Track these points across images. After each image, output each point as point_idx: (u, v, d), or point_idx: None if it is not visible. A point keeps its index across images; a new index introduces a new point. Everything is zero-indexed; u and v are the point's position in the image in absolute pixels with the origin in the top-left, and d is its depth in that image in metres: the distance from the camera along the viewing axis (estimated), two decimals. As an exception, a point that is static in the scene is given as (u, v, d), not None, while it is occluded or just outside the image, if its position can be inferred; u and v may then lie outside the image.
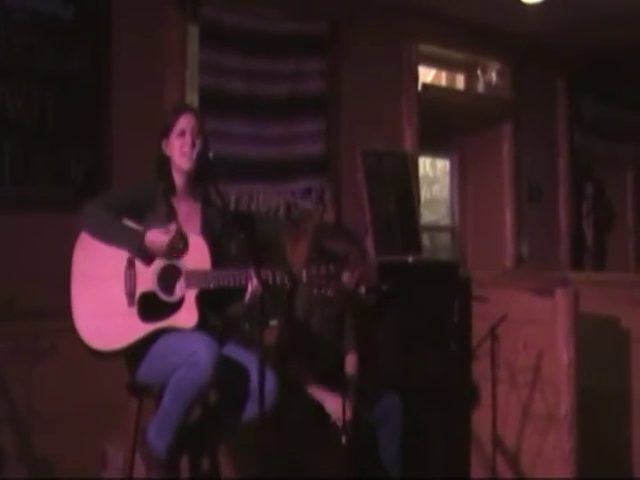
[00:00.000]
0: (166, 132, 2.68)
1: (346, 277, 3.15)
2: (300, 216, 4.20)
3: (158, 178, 2.69)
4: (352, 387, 3.32)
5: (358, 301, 3.47)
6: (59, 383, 3.25)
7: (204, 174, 2.67)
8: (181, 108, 2.83)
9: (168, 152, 2.69)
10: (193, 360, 2.37)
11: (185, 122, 2.66)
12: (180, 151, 2.64)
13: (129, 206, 2.60)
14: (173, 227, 2.52)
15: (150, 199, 2.64)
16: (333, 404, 3.16)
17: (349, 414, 3.21)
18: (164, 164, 2.69)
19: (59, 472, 3.25)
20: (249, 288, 2.51)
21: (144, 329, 2.51)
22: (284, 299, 3.34)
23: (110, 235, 2.54)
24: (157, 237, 2.50)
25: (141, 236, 2.51)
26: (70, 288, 2.56)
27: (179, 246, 2.52)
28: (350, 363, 3.39)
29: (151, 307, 2.53)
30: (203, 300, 2.55)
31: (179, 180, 2.70)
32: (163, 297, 2.55)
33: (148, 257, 2.54)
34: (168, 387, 2.45)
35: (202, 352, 2.38)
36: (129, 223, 2.56)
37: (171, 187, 2.68)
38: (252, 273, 2.47)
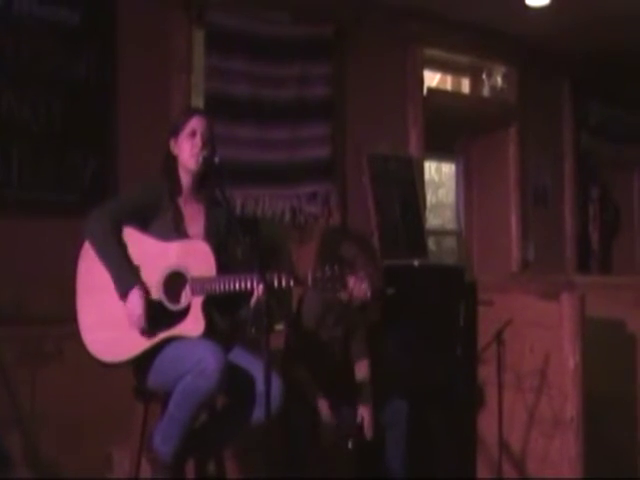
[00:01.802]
0: (176, 131, 2.66)
1: (352, 282, 3.16)
2: (306, 220, 4.20)
3: (164, 177, 2.68)
4: (366, 391, 3.32)
5: (368, 312, 3.46)
6: (65, 387, 3.26)
7: (210, 178, 2.67)
8: (193, 110, 2.83)
9: (176, 151, 2.67)
10: (200, 368, 2.37)
11: (197, 123, 2.65)
12: (190, 152, 2.62)
13: (135, 212, 2.60)
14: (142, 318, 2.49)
15: (156, 202, 2.62)
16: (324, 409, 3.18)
17: (368, 419, 3.22)
18: (171, 163, 2.68)
19: (65, 476, 3.26)
20: (255, 293, 2.51)
21: (151, 339, 2.51)
22: (293, 306, 3.34)
23: (108, 265, 2.53)
24: (134, 304, 2.48)
25: (129, 288, 2.49)
26: (75, 297, 2.56)
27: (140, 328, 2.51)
28: (361, 369, 3.36)
29: (157, 316, 2.51)
30: (210, 304, 2.55)
31: (185, 180, 2.68)
32: (169, 306, 2.54)
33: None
34: (174, 394, 2.44)
35: (209, 360, 2.37)
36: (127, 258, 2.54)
37: (177, 188, 2.67)
38: (258, 277, 2.46)
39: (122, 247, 2.55)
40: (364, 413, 3.24)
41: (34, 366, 3.21)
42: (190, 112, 2.76)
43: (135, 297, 2.48)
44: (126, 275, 2.51)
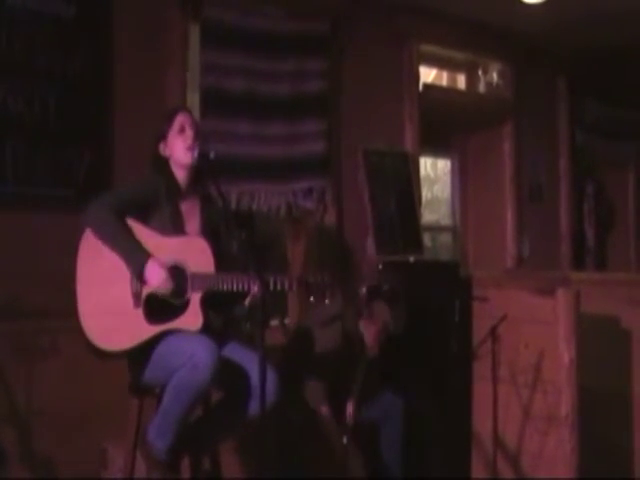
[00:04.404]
0: (164, 134, 2.68)
1: (368, 331, 3.34)
2: (300, 215, 4.20)
3: (159, 177, 2.68)
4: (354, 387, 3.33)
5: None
6: (60, 382, 3.26)
7: (204, 173, 2.67)
8: (176, 108, 2.85)
9: (167, 153, 2.69)
10: (193, 362, 2.38)
11: (183, 118, 2.68)
12: (184, 146, 2.64)
13: (135, 205, 2.61)
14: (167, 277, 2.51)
15: (154, 198, 2.63)
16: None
17: (351, 415, 3.23)
18: (164, 166, 2.69)
19: (59, 471, 3.26)
20: (252, 292, 2.51)
21: (150, 331, 2.51)
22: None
23: (116, 246, 2.53)
24: (155, 272, 2.50)
25: (143, 261, 2.50)
26: (74, 287, 2.55)
27: (169, 290, 2.52)
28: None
29: (157, 308, 2.52)
30: (206, 300, 2.55)
31: (180, 177, 2.69)
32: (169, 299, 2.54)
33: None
34: (168, 388, 2.46)
35: (202, 354, 2.38)
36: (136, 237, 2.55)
37: (175, 188, 2.68)
38: (256, 279, 2.45)
39: (127, 229, 2.55)
40: (348, 408, 3.24)
41: (29, 361, 3.20)
42: (173, 111, 2.77)
43: (154, 267, 2.49)
44: (137, 252, 2.52)
